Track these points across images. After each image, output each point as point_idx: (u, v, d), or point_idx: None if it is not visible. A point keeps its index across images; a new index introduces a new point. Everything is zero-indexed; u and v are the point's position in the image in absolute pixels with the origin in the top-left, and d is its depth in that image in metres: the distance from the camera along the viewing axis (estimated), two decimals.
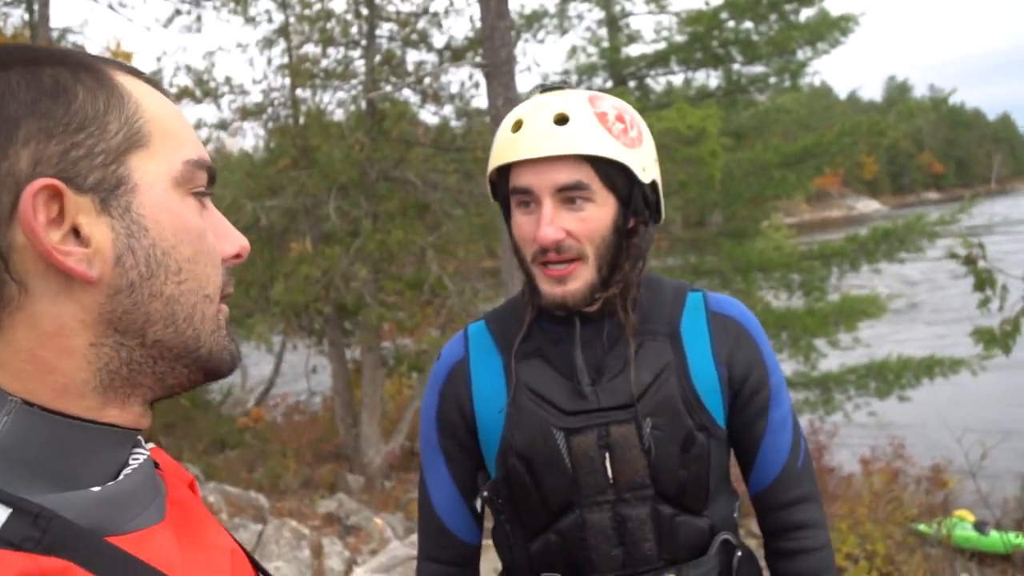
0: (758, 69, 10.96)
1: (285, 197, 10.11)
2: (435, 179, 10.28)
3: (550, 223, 1.28)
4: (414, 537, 5.53)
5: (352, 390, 11.60)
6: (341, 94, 10.97)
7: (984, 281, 4.06)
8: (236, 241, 0.73)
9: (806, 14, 10.53)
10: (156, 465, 0.76)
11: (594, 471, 1.33)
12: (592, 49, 11.56)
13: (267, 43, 10.88)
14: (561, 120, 1.29)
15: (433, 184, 10.12)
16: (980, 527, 8.37)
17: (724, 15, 10.03)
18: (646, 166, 1.34)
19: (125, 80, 0.68)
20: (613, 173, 1.31)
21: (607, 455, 1.33)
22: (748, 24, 10.18)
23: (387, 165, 10.13)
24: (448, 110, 11.11)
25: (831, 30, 10.38)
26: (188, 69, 10.65)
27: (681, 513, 1.36)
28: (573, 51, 11.63)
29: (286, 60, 10.81)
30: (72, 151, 0.62)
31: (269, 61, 10.96)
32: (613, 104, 1.34)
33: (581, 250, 1.31)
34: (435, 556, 1.49)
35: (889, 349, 11.04)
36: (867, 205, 75.52)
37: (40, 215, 0.60)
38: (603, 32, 11.54)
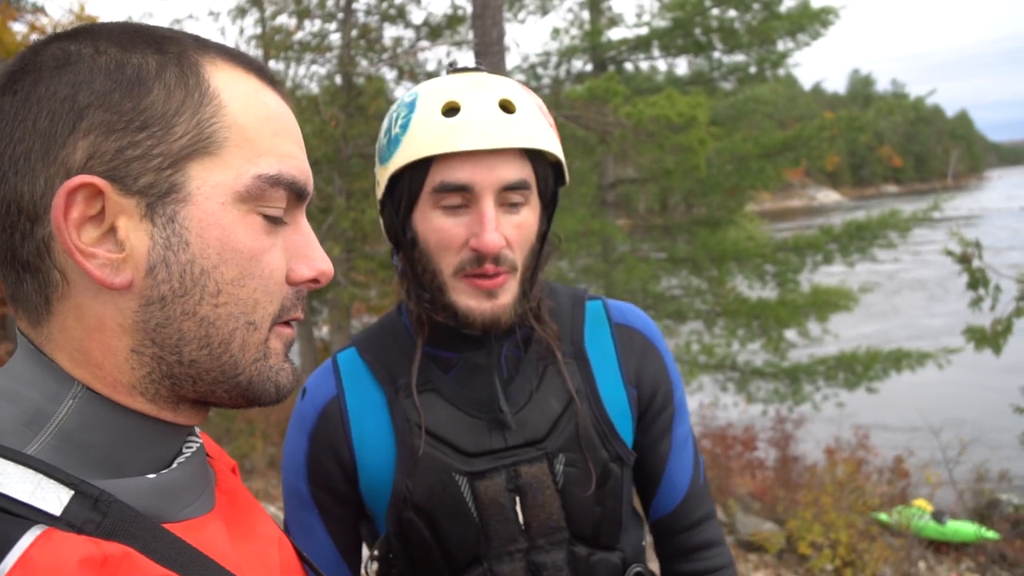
0: (739, 58, 10.98)
1: None
2: None
3: (496, 228, 1.10)
4: None
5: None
6: (316, 67, 10.75)
7: (978, 280, 4.08)
8: (315, 265, 0.68)
9: (787, 4, 10.58)
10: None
11: (504, 519, 1.17)
12: (575, 31, 11.47)
13: (240, 12, 10.61)
14: (507, 107, 1.12)
15: None
16: (937, 516, 8.53)
17: (708, 2, 10.00)
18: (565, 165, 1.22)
19: (225, 77, 0.64)
20: (546, 172, 1.18)
21: (518, 499, 1.17)
22: (731, 12, 10.17)
23: (362, 142, 9.94)
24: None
25: (812, 22, 10.42)
26: None
27: (596, 551, 1.23)
28: (556, 32, 11.51)
29: (259, 31, 10.56)
30: (128, 150, 0.59)
31: (241, 31, 10.76)
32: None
33: (514, 261, 1.14)
34: None
35: (857, 341, 11.20)
36: (828, 196, 76.83)
37: (73, 212, 0.58)
38: (586, 15, 11.46)
